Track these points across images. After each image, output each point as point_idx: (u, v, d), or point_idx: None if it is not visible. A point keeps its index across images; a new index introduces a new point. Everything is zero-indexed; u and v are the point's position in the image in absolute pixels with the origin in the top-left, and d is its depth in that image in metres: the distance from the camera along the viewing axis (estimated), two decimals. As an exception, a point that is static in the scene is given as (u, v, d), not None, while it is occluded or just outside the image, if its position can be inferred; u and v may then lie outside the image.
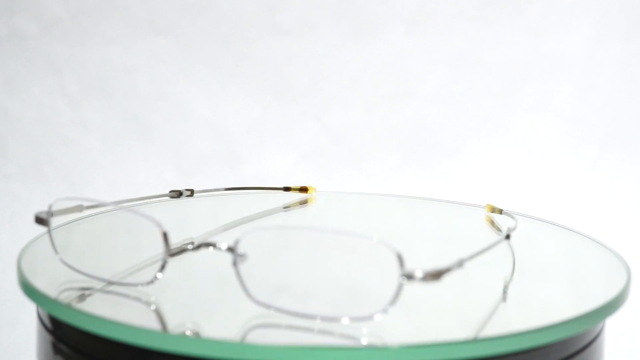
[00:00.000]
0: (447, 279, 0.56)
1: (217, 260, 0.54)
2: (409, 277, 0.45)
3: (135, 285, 0.53)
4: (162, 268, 0.52)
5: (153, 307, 0.51)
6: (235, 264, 0.49)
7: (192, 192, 0.74)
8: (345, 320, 0.47)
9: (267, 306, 0.49)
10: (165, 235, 0.51)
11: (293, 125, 1.11)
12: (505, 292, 0.52)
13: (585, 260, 0.63)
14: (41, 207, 1.18)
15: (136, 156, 1.13)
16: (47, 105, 1.14)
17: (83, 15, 1.13)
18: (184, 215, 0.76)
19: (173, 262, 0.57)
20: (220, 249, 0.50)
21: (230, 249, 0.49)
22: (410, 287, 0.46)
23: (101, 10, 1.13)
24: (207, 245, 0.51)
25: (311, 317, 0.47)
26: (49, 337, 0.52)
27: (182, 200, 0.75)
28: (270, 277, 0.55)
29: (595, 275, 0.60)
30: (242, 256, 0.49)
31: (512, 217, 0.67)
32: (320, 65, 1.11)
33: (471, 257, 0.49)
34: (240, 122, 1.12)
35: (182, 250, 0.52)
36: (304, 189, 0.79)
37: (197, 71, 1.12)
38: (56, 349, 0.52)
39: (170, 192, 0.72)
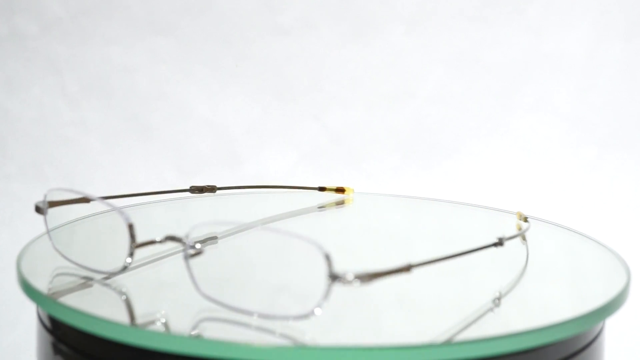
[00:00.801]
0: (447, 279, 0.56)
1: (217, 260, 0.54)
2: (336, 278, 0.45)
3: (106, 273, 0.54)
4: (131, 256, 0.52)
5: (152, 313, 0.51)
6: (186, 257, 0.49)
7: (214, 189, 0.73)
8: (278, 318, 0.48)
9: (214, 301, 0.49)
10: (130, 227, 0.52)
11: (293, 125, 1.11)
12: (496, 302, 0.52)
13: (585, 260, 0.63)
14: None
15: (136, 156, 1.13)
16: (47, 105, 1.14)
17: (83, 15, 1.13)
18: (216, 212, 0.76)
19: (173, 262, 0.57)
20: (185, 243, 0.50)
21: (190, 245, 0.50)
22: (346, 289, 0.46)
23: (101, 10, 1.13)
24: (172, 239, 0.51)
25: (248, 313, 0.48)
26: (49, 337, 0.52)
27: (215, 197, 0.76)
28: (219, 272, 0.56)
29: (595, 275, 0.60)
30: (197, 251, 0.50)
31: (526, 222, 0.66)
32: (320, 65, 1.11)
33: (422, 263, 0.48)
34: (240, 122, 1.12)
35: (149, 242, 0.53)
36: (340, 190, 0.78)
37: (197, 71, 1.12)
38: (56, 349, 0.52)
39: (190, 187, 0.72)
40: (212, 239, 0.59)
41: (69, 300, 0.51)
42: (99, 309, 0.51)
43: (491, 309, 0.50)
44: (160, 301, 0.52)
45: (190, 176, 1.12)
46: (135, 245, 0.52)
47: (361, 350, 0.45)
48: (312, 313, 0.46)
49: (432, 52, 1.09)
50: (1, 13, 1.13)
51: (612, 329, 0.67)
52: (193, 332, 0.47)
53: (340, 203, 0.77)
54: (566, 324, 0.48)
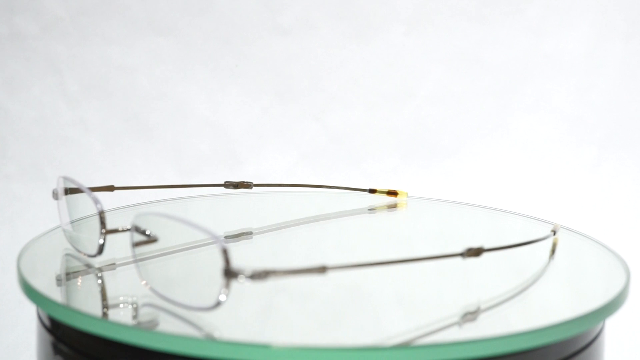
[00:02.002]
0: (446, 280, 0.56)
1: (216, 260, 0.54)
2: (233, 274, 0.46)
3: (88, 255, 0.56)
4: (103, 243, 0.55)
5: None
6: (133, 245, 0.51)
7: (249, 185, 0.72)
8: (180, 308, 0.49)
9: (150, 289, 0.51)
10: (101, 214, 0.54)
11: (293, 125, 1.11)
12: (466, 316, 0.50)
13: (585, 260, 0.63)
14: (41, 207, 1.18)
15: (136, 156, 1.13)
16: (47, 105, 1.14)
17: (83, 15, 1.13)
18: (268, 208, 0.76)
19: (174, 262, 0.57)
20: (147, 235, 0.51)
21: (144, 233, 0.51)
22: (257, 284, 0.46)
23: (101, 10, 1.13)
24: (137, 229, 0.52)
25: (169, 301, 0.50)
26: (49, 337, 0.52)
27: (267, 194, 0.77)
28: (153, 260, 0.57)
29: (595, 275, 0.60)
30: (148, 239, 0.51)
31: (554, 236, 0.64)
32: (320, 65, 1.11)
33: (338, 266, 0.48)
34: (240, 122, 1.12)
35: (115, 230, 0.54)
36: (392, 193, 0.77)
37: (197, 71, 1.12)
38: (56, 349, 0.52)
39: (225, 182, 0.72)
40: (247, 234, 0.63)
41: (69, 300, 0.51)
42: (99, 309, 0.51)
43: (459, 324, 0.50)
44: (160, 301, 0.52)
45: (190, 176, 1.12)
46: (105, 231, 0.54)
47: (361, 350, 0.45)
48: (212, 306, 0.47)
49: (432, 52, 1.09)
50: (1, 13, 1.13)
51: (612, 329, 0.67)
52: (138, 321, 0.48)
53: (393, 206, 0.76)
54: (566, 324, 0.48)
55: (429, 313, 0.52)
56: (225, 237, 0.64)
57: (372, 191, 0.77)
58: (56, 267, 0.57)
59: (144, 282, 0.51)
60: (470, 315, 0.49)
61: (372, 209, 0.75)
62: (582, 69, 1.06)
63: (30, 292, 0.51)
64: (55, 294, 0.52)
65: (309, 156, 1.11)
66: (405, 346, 0.45)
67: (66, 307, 0.49)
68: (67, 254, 0.59)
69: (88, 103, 1.14)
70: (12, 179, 1.14)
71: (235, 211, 0.75)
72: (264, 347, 0.44)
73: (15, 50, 1.14)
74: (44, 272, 0.56)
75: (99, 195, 0.59)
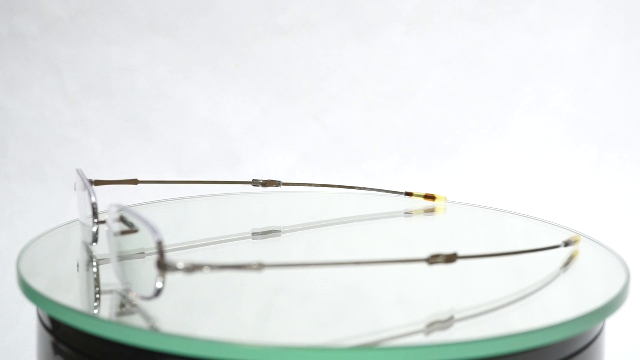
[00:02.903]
0: (447, 280, 0.56)
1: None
2: (166, 266, 0.47)
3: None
4: (96, 232, 0.57)
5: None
6: (114, 234, 0.52)
7: (278, 184, 0.72)
8: (127, 295, 0.51)
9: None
10: (93, 205, 0.57)
11: (293, 125, 1.11)
12: (434, 324, 0.50)
13: (586, 260, 0.63)
14: (41, 207, 1.18)
15: (136, 156, 1.13)
16: (47, 105, 1.14)
17: (83, 15, 1.13)
18: (298, 208, 0.76)
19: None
20: (131, 225, 0.52)
21: (127, 224, 0.52)
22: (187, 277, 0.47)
23: (101, 10, 1.13)
24: (120, 219, 0.54)
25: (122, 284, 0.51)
26: (49, 337, 0.52)
27: (296, 193, 0.76)
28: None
29: (595, 275, 0.60)
30: (128, 230, 0.53)
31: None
32: (320, 65, 1.11)
33: (275, 264, 0.49)
34: (240, 122, 1.12)
35: (104, 221, 0.56)
36: (430, 197, 0.74)
37: (197, 71, 1.12)
38: (56, 349, 0.52)
39: (252, 180, 0.71)
40: (275, 231, 0.65)
41: (69, 300, 0.51)
42: (99, 309, 0.51)
43: (424, 332, 0.49)
44: (160, 301, 0.52)
45: (190, 176, 1.12)
46: (97, 221, 0.57)
47: (360, 350, 0.45)
48: (152, 295, 0.48)
49: (432, 52, 1.09)
50: (1, 13, 1.13)
51: (612, 329, 0.67)
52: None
53: (430, 210, 0.74)
54: (566, 324, 0.48)
55: (427, 313, 0.52)
56: (253, 234, 0.65)
57: (408, 194, 0.75)
58: (56, 267, 0.57)
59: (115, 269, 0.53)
60: (439, 324, 0.49)
61: (408, 213, 0.73)
62: (582, 69, 1.06)
63: (30, 292, 0.51)
64: (55, 294, 0.52)
65: (309, 156, 1.11)
66: (406, 346, 0.45)
67: (66, 307, 0.49)
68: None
69: (88, 103, 1.14)
70: (12, 179, 1.14)
71: (265, 209, 0.76)
72: (264, 347, 0.44)
73: (15, 50, 1.14)
74: (43, 272, 0.56)
75: (125, 187, 0.60)
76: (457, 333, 0.48)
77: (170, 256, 0.46)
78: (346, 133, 1.11)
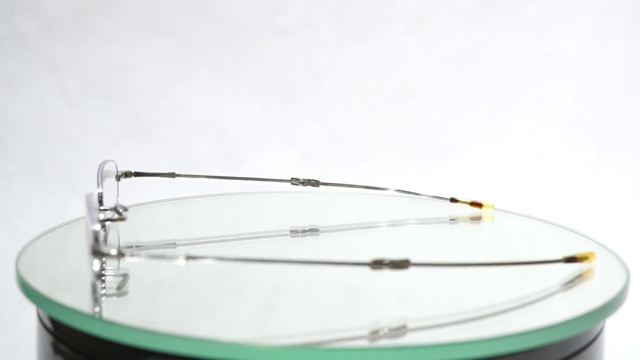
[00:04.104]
0: (447, 281, 0.56)
1: (216, 261, 0.54)
2: (99, 253, 0.49)
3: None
4: (103, 219, 0.60)
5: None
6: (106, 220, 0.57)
7: (317, 183, 0.71)
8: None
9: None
10: (100, 195, 0.61)
11: (293, 125, 1.11)
12: (377, 333, 0.50)
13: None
14: (41, 207, 1.18)
15: (136, 156, 1.13)
16: (47, 105, 1.14)
17: (83, 15, 1.13)
18: (336, 208, 0.76)
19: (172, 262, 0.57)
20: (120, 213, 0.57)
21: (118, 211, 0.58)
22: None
23: (101, 10, 1.13)
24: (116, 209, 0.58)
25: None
26: (49, 337, 0.52)
27: (335, 193, 0.76)
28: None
29: (595, 275, 0.60)
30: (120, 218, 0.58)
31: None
32: (320, 65, 1.11)
33: (201, 257, 0.50)
34: (240, 122, 1.12)
35: (111, 219, 0.60)
36: (476, 204, 0.71)
37: (197, 71, 1.12)
38: (56, 349, 0.52)
39: (291, 179, 0.71)
40: (314, 230, 0.66)
41: (69, 300, 0.51)
42: (99, 309, 0.51)
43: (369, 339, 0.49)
44: (160, 301, 0.52)
45: (190, 178, 1.12)
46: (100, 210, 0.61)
47: (360, 351, 0.45)
48: (94, 277, 0.51)
49: (432, 52, 1.09)
50: (1, 13, 1.13)
51: (612, 329, 0.67)
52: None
53: (476, 218, 0.71)
54: (566, 324, 0.48)
55: (429, 313, 0.52)
56: (291, 231, 0.66)
57: (453, 200, 0.73)
58: (56, 267, 0.57)
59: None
60: (394, 332, 0.48)
61: (453, 220, 0.72)
62: (582, 69, 1.06)
63: (30, 292, 0.51)
64: (55, 294, 0.52)
65: (309, 156, 1.11)
66: (406, 346, 0.45)
67: (66, 307, 0.49)
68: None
69: (88, 103, 1.14)
70: (12, 179, 1.14)
71: (304, 209, 0.76)
72: (264, 347, 0.44)
73: (15, 50, 1.14)
74: (43, 272, 0.56)
75: (162, 180, 0.68)
76: (457, 333, 0.48)
77: (102, 243, 0.49)
78: (346, 133, 1.11)
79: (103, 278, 0.53)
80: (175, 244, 0.65)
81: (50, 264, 0.57)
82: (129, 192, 0.68)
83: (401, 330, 0.47)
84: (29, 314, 1.02)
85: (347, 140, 1.11)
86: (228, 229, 0.70)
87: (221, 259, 0.52)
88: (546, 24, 1.07)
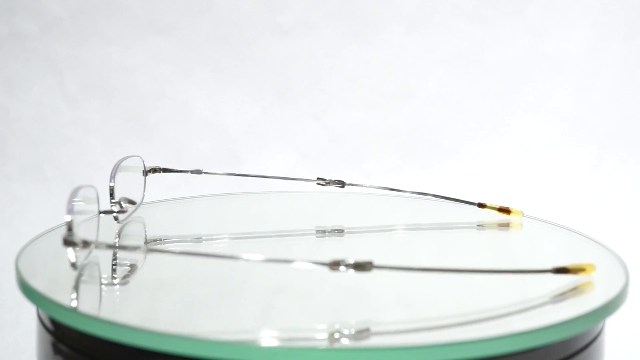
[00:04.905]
0: (447, 281, 0.56)
1: (216, 261, 0.54)
2: (69, 242, 0.51)
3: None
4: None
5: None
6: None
7: (343, 184, 0.71)
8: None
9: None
10: (111, 187, 0.63)
11: (293, 125, 1.11)
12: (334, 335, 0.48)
13: (585, 260, 0.63)
14: (41, 207, 1.18)
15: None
16: (47, 105, 1.14)
17: (83, 15, 1.13)
18: (364, 209, 0.76)
19: (175, 262, 0.57)
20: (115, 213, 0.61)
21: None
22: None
23: (101, 10, 1.13)
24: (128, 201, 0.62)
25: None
26: (49, 337, 0.52)
27: (362, 194, 0.76)
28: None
29: (595, 275, 0.60)
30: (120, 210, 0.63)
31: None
32: (320, 65, 1.11)
33: (159, 250, 0.52)
34: (240, 122, 1.12)
35: (108, 211, 0.63)
36: (504, 210, 0.68)
37: (197, 71, 1.12)
38: (56, 349, 0.52)
39: (317, 178, 0.71)
40: (339, 231, 0.66)
41: (69, 301, 0.51)
42: (99, 309, 0.51)
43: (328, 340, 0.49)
44: (160, 301, 0.52)
45: (189, 177, 1.12)
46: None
47: (360, 351, 0.45)
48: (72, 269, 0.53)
49: (432, 52, 1.09)
50: (1, 13, 1.13)
51: (612, 329, 0.67)
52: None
53: (504, 225, 0.69)
54: (566, 324, 0.48)
55: (429, 313, 0.52)
56: (316, 231, 0.67)
57: (481, 205, 0.70)
58: (56, 267, 0.57)
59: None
60: (359, 334, 0.47)
61: (481, 226, 0.70)
62: (582, 69, 1.06)
63: (30, 292, 0.51)
64: (55, 294, 0.52)
65: (309, 156, 1.11)
66: (406, 346, 0.45)
67: (66, 308, 0.49)
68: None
69: (88, 103, 1.14)
70: (12, 179, 1.14)
71: (329, 209, 0.76)
72: (263, 347, 0.44)
73: (15, 50, 1.14)
74: (43, 272, 0.56)
75: (187, 176, 0.70)
76: (458, 333, 0.48)
77: (72, 233, 0.52)
78: (346, 133, 1.11)
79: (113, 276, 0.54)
80: (201, 239, 0.66)
81: (50, 264, 0.57)
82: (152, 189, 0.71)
83: (364, 333, 0.47)
84: (29, 314, 1.02)
85: (347, 140, 1.11)
86: (251, 227, 0.70)
87: (184, 253, 0.55)
88: (546, 24, 1.07)
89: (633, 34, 1.05)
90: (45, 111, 1.14)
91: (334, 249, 0.64)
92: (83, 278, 0.55)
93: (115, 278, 0.56)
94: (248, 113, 1.12)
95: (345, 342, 0.46)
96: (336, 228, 0.67)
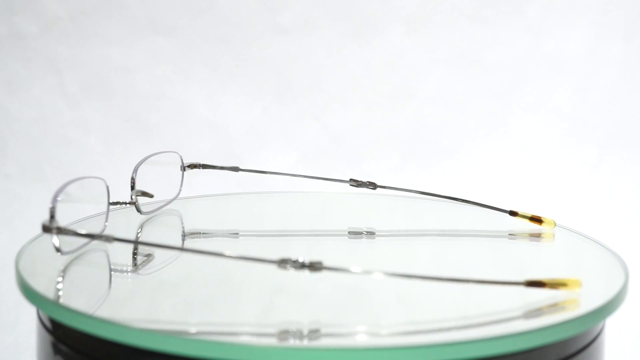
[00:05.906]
0: (450, 284, 0.56)
1: (216, 261, 0.54)
2: (47, 228, 0.53)
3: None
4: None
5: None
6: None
7: (374, 186, 0.71)
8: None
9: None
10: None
11: (293, 125, 1.11)
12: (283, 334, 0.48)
13: (585, 260, 0.63)
14: (41, 207, 1.19)
15: (136, 156, 1.13)
16: (47, 105, 1.14)
17: (83, 15, 1.13)
18: (395, 212, 0.76)
19: (174, 262, 0.57)
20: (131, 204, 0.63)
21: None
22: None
23: (101, 10, 1.13)
24: (142, 193, 0.64)
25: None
26: (49, 337, 0.52)
27: (393, 197, 0.76)
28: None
29: (595, 275, 0.60)
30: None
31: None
32: (320, 65, 1.11)
33: (124, 240, 0.53)
34: (240, 122, 1.12)
35: (117, 202, 0.65)
36: (536, 219, 0.66)
37: (197, 71, 1.12)
38: (56, 349, 0.52)
39: (350, 179, 0.71)
40: (371, 233, 0.66)
41: (69, 301, 0.51)
42: (98, 309, 0.51)
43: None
44: (160, 301, 0.52)
45: (190, 176, 1.12)
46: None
47: (360, 351, 0.45)
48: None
49: (432, 52, 1.09)
50: (1, 13, 1.13)
51: (612, 329, 0.67)
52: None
53: (536, 235, 0.67)
54: (566, 324, 0.48)
55: (430, 313, 0.52)
56: (349, 232, 0.67)
57: (512, 214, 0.68)
58: (56, 267, 0.57)
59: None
60: (312, 334, 0.47)
61: (512, 235, 0.68)
62: (582, 69, 1.06)
63: (30, 293, 0.51)
64: (55, 294, 0.52)
65: (309, 156, 1.11)
66: (406, 346, 0.45)
67: (66, 308, 0.49)
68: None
69: (88, 103, 1.14)
70: (12, 179, 1.14)
71: (361, 211, 0.76)
72: (264, 347, 0.44)
73: (15, 50, 1.14)
74: (43, 272, 0.56)
75: (226, 173, 0.73)
76: (457, 333, 0.48)
77: (52, 220, 0.53)
78: (346, 133, 1.11)
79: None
80: (238, 234, 0.66)
81: (50, 264, 0.57)
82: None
83: (315, 334, 0.47)
84: (29, 314, 1.02)
85: (347, 140, 1.11)
86: (285, 225, 0.71)
87: (146, 244, 0.58)
88: (546, 24, 1.07)
89: (633, 34, 1.05)
90: (45, 111, 1.14)
91: (365, 250, 0.65)
92: (83, 278, 0.55)
93: (115, 278, 0.56)
94: (248, 113, 1.12)
95: (345, 342, 0.46)
96: (368, 230, 0.67)
